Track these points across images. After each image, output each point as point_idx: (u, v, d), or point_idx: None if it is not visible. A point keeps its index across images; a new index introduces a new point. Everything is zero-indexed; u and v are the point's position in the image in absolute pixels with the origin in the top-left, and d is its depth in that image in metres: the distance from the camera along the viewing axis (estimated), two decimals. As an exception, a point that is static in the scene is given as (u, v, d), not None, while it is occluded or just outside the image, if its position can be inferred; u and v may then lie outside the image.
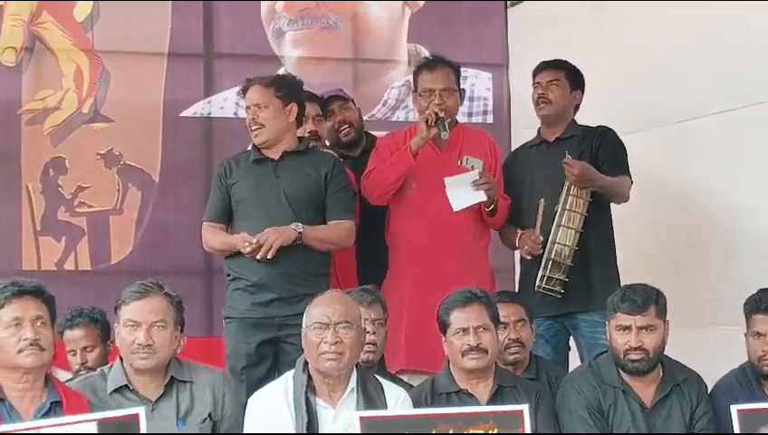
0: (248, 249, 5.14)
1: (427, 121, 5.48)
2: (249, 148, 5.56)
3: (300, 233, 5.20)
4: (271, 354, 5.21)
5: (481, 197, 5.54)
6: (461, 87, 5.79)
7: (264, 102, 5.35)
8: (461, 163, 5.67)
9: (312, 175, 5.38)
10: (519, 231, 5.71)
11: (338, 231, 5.39)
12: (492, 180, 5.57)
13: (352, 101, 6.27)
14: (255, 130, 5.35)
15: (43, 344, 3.98)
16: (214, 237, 5.38)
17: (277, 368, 5.17)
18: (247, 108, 5.39)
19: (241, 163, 5.42)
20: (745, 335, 4.79)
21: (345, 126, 6.11)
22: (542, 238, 5.57)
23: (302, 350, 4.49)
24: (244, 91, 5.42)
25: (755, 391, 4.69)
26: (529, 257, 5.63)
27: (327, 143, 6.08)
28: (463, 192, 5.53)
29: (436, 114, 5.49)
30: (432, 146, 5.58)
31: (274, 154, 5.38)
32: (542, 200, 5.62)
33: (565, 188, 5.57)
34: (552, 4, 7.78)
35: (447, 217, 5.54)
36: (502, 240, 5.98)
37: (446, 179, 5.53)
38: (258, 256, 5.14)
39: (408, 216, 5.60)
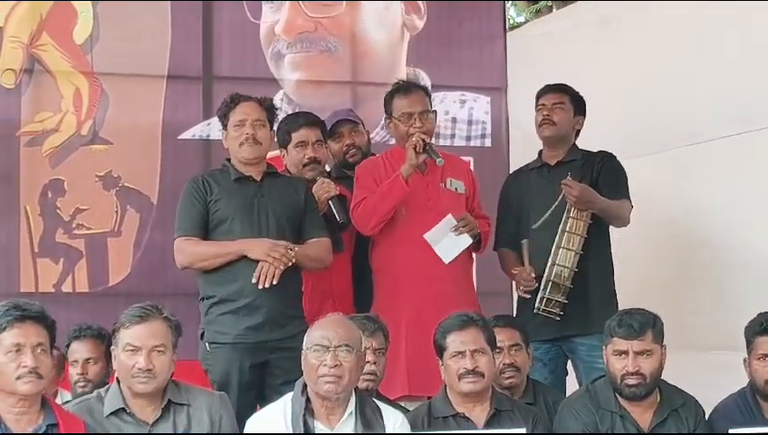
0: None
1: (415, 148, 5.49)
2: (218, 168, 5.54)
3: (293, 251, 5.19)
4: (258, 380, 5.16)
5: (467, 241, 5.59)
6: (433, 108, 5.82)
7: (262, 121, 5.35)
8: (445, 186, 5.68)
9: (293, 197, 5.39)
10: (514, 270, 5.74)
11: (323, 248, 5.40)
12: (470, 220, 5.61)
13: (362, 123, 6.26)
14: (251, 144, 5.29)
15: (42, 372, 4.00)
16: (206, 247, 5.23)
17: (263, 394, 5.13)
18: (242, 121, 5.31)
19: (220, 181, 5.34)
20: (746, 359, 4.78)
21: (353, 150, 6.09)
22: (533, 274, 5.59)
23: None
24: (234, 103, 5.36)
25: (756, 416, 4.69)
26: (527, 296, 5.64)
27: (327, 168, 6.07)
28: (447, 241, 5.56)
29: (424, 140, 5.50)
30: (415, 171, 5.58)
31: (255, 174, 5.35)
32: (525, 242, 5.66)
33: (565, 209, 5.58)
34: (551, 28, 7.84)
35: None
36: (501, 265, 6.00)
37: (426, 235, 5.54)
38: (266, 286, 5.11)
39: (399, 241, 5.59)
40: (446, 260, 5.55)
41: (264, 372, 5.16)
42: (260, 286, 5.11)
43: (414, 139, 5.51)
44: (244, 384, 5.11)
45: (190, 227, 5.29)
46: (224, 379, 5.12)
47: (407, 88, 5.77)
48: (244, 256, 5.17)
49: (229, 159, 5.43)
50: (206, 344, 5.21)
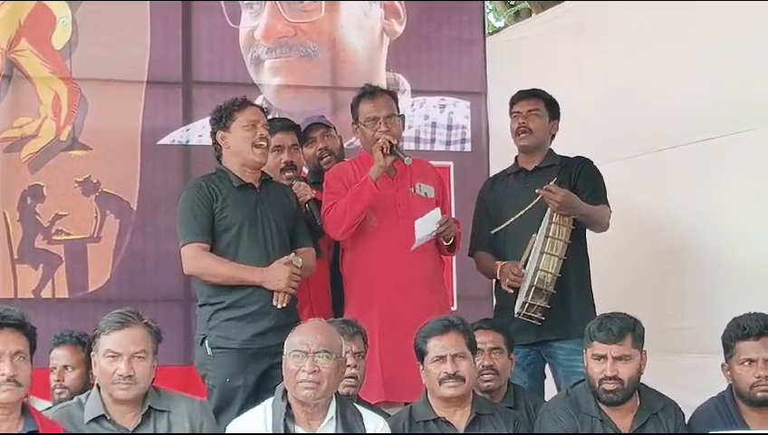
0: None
1: (382, 150, 5.50)
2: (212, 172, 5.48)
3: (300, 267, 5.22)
4: (258, 385, 5.12)
5: (431, 236, 5.57)
6: (400, 113, 5.79)
7: (268, 127, 5.35)
8: (414, 191, 5.67)
9: (288, 205, 5.40)
10: (498, 263, 5.72)
11: (313, 258, 5.43)
12: (451, 226, 5.62)
13: (334, 128, 6.25)
14: (264, 148, 5.28)
15: (20, 380, 3.98)
16: (223, 268, 5.17)
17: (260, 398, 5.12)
18: (254, 123, 5.26)
19: (222, 188, 5.29)
20: (724, 365, 4.76)
21: (326, 154, 6.07)
22: (524, 271, 5.58)
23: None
24: (243, 105, 5.31)
25: (735, 420, 4.69)
26: (510, 291, 5.63)
27: (305, 170, 6.07)
28: (424, 234, 5.55)
29: (390, 142, 5.51)
30: (384, 176, 5.56)
31: (254, 181, 5.33)
32: (534, 235, 5.62)
33: (547, 215, 5.58)
34: (530, 33, 7.84)
35: (410, 245, 5.54)
36: (477, 267, 5.98)
37: (417, 221, 5.51)
38: (282, 305, 5.16)
39: (371, 246, 5.57)
40: (413, 248, 5.53)
41: (266, 378, 5.13)
42: (278, 307, 5.15)
43: (380, 141, 5.50)
44: (248, 389, 5.10)
45: (199, 233, 5.22)
46: (226, 384, 5.11)
47: (372, 92, 5.74)
48: (258, 262, 5.19)
49: (220, 164, 5.38)
50: (208, 349, 5.18)
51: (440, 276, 5.78)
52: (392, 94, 5.81)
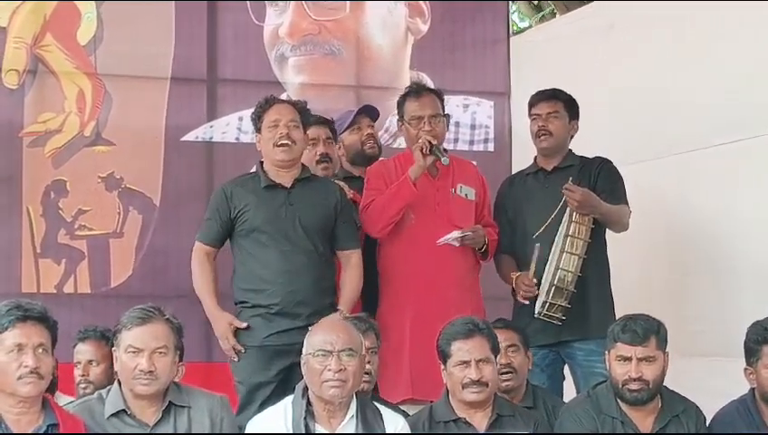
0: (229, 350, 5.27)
1: (422, 150, 5.49)
2: (253, 171, 5.54)
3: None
4: (282, 383, 5.14)
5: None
6: (446, 113, 5.79)
7: (296, 123, 5.33)
8: (455, 191, 5.67)
9: (324, 204, 5.38)
10: (513, 274, 5.71)
11: (357, 271, 5.45)
12: (478, 236, 5.61)
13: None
14: (286, 146, 5.28)
15: (43, 373, 4.00)
16: (199, 280, 5.36)
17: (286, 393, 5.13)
18: (276, 122, 5.29)
19: (249, 189, 5.34)
20: (747, 369, 4.72)
21: (372, 141, 6.09)
22: (535, 281, 5.56)
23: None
24: (268, 105, 5.35)
25: (756, 423, 4.66)
26: (526, 302, 5.61)
27: (339, 165, 6.06)
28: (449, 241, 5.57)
29: (430, 142, 5.50)
30: (426, 174, 5.58)
31: (286, 181, 5.34)
32: (538, 245, 5.61)
33: (567, 214, 5.56)
34: (554, 33, 7.82)
35: (445, 245, 5.54)
36: (497, 271, 5.96)
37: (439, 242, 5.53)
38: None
39: (407, 244, 5.57)
40: (437, 241, 5.54)
41: (290, 374, 5.13)
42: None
43: (420, 141, 5.50)
44: (271, 386, 5.14)
45: (208, 239, 5.40)
46: (248, 380, 5.18)
47: (417, 91, 5.76)
48: (278, 264, 5.24)
49: (263, 162, 5.42)
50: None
51: (474, 277, 5.76)
52: (438, 94, 5.79)
